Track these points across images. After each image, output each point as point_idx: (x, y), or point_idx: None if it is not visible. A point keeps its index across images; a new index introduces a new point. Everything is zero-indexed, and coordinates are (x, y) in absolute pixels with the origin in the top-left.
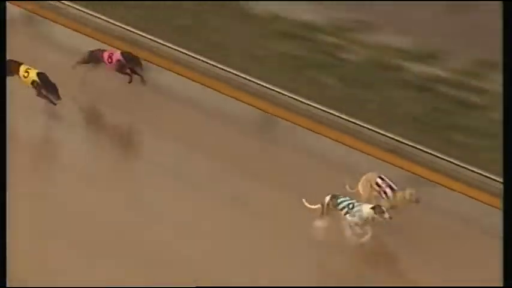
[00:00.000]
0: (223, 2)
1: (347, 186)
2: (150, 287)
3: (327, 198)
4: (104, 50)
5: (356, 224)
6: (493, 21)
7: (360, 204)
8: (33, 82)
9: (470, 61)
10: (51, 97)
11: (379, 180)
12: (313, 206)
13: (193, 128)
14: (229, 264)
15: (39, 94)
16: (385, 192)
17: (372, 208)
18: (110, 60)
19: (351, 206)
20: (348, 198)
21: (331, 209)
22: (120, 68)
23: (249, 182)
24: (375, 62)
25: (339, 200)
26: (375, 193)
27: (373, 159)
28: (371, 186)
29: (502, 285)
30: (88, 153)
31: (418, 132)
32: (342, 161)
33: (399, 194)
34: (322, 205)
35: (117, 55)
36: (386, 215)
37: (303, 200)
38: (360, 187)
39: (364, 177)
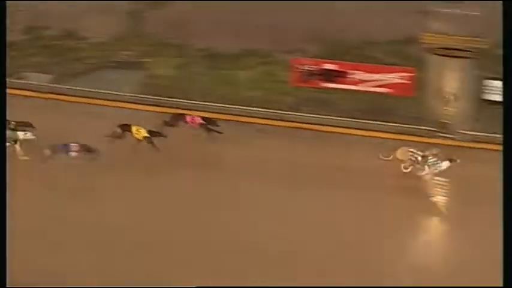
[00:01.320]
0: None
1: (381, 156)
2: (151, 287)
3: (414, 160)
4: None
5: (435, 174)
6: None
7: (441, 162)
8: (145, 137)
9: None
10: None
11: (411, 152)
12: (387, 158)
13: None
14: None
15: (151, 143)
16: (416, 159)
17: (449, 160)
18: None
19: (436, 162)
20: (434, 158)
21: (417, 164)
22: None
23: None
24: None
25: (429, 158)
26: (411, 159)
27: None
28: (409, 156)
29: (502, 286)
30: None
31: None
32: None
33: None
34: (412, 160)
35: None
36: (458, 160)
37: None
38: (399, 155)
39: (399, 150)
